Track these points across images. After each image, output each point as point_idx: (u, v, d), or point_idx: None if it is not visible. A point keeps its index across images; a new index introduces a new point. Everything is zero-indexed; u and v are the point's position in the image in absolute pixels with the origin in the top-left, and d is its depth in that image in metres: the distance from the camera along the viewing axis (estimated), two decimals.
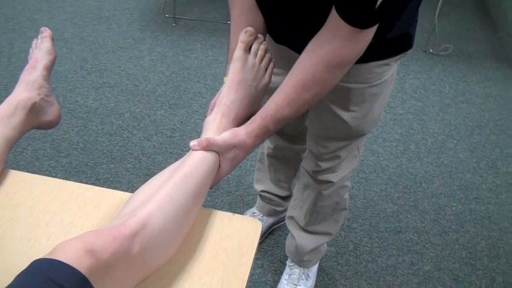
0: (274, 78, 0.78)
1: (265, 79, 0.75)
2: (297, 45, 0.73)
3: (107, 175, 1.65)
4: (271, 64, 0.76)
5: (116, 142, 1.79)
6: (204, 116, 1.92)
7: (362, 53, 0.66)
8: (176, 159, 1.87)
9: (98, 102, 1.96)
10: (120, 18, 2.51)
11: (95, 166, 1.68)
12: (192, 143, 0.63)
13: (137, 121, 1.88)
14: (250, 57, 0.73)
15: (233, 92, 0.70)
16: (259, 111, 0.68)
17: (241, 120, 0.71)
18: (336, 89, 0.70)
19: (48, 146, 1.75)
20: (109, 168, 1.68)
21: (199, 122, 1.89)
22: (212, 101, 0.73)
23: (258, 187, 1.41)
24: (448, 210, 1.65)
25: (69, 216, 0.65)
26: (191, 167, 0.60)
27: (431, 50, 2.42)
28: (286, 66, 0.78)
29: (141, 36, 2.38)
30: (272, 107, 0.67)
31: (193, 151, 0.63)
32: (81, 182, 1.61)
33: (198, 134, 1.91)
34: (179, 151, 1.75)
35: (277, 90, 0.69)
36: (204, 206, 0.65)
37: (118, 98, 1.99)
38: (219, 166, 0.66)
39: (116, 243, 0.48)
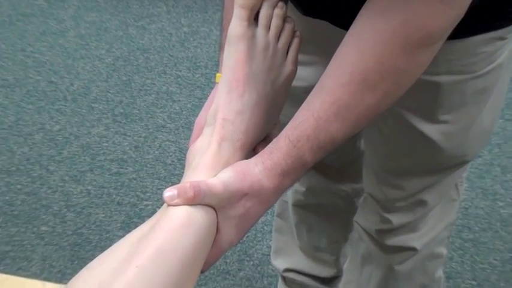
0: (301, 72, 0.81)
1: (288, 67, 0.77)
2: (341, 15, 0.76)
3: (4, 247, 1.68)
4: (296, 40, 0.78)
5: (19, 187, 1.82)
6: (177, 135, 1.96)
7: (459, 20, 0.69)
8: (127, 215, 1.88)
9: None
10: None
11: None
12: (167, 193, 0.63)
13: (57, 147, 1.92)
14: (259, 32, 0.75)
15: (237, 96, 0.71)
16: (285, 130, 0.70)
17: (254, 143, 0.74)
18: (415, 87, 0.73)
19: None
20: (9, 233, 1.70)
21: (169, 146, 1.92)
22: (198, 117, 0.75)
23: (280, 263, 1.43)
24: None
25: None
26: (166, 237, 0.61)
27: None
28: (321, 51, 0.80)
29: None
30: (309, 123, 0.68)
31: (170, 207, 0.65)
32: None
33: (168, 167, 1.94)
34: (134, 199, 1.78)
35: (312, 93, 0.72)
36: None
37: (21, 107, 2.03)
38: (217, 232, 0.67)
39: None
